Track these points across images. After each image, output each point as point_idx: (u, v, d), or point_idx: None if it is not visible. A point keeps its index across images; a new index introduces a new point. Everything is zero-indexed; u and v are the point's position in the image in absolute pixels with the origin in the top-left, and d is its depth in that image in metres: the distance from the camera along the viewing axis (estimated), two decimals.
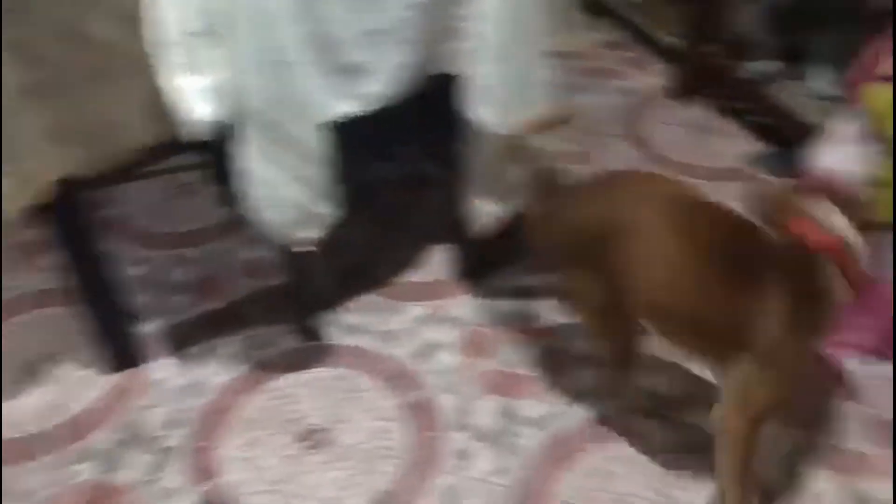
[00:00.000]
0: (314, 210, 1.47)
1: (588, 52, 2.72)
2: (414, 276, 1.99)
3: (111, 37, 1.31)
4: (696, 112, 2.49)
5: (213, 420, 1.66)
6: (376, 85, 1.49)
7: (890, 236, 1.62)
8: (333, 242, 2.05)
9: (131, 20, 1.30)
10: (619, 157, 2.33)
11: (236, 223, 2.11)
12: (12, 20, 1.24)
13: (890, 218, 1.61)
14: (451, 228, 2.03)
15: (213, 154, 2.21)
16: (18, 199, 1.38)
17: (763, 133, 2.36)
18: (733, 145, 2.36)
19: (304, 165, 1.41)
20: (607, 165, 2.27)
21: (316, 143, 1.40)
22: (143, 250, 2.07)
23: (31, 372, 1.76)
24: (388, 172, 2.29)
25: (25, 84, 1.28)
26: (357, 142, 1.72)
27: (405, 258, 2.04)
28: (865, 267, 1.64)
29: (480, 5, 1.44)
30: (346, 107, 1.48)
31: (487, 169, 1.68)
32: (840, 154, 1.64)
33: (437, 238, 2.08)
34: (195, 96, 1.32)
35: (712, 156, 2.32)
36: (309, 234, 1.50)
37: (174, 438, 1.62)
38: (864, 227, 1.60)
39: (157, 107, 1.40)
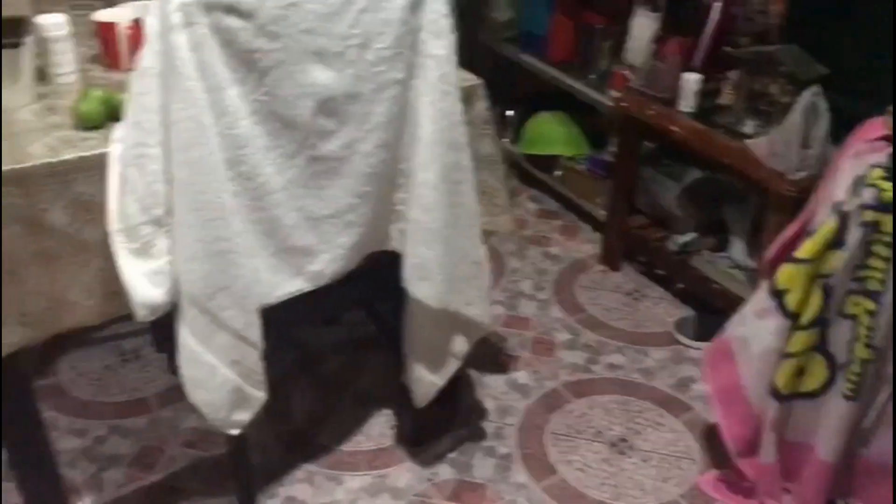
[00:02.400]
0: (247, 393, 1.50)
1: (522, 219, 2.90)
2: (356, 444, 2.00)
3: (65, 224, 1.38)
4: (625, 279, 2.63)
5: None
6: (321, 264, 1.57)
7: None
8: (276, 408, 2.09)
9: (87, 209, 1.38)
10: (552, 319, 2.43)
11: (179, 391, 2.13)
12: None
13: (810, 386, 1.72)
14: (394, 394, 2.07)
15: (154, 323, 2.27)
16: None
17: (687, 300, 2.50)
18: (660, 311, 2.49)
19: (239, 350, 1.45)
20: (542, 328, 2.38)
21: (252, 330, 1.45)
22: (79, 420, 2.05)
23: None
24: (334, 336, 2.35)
25: None
26: (304, 306, 1.79)
27: (348, 425, 2.06)
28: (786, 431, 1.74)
29: (417, 191, 1.55)
30: (291, 286, 1.55)
31: (424, 339, 1.74)
32: (750, 326, 1.76)
33: (381, 404, 2.11)
34: (145, 280, 1.38)
35: (640, 321, 2.44)
36: (241, 417, 1.53)
37: None
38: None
39: (108, 288, 1.46)
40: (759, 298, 1.73)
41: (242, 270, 1.41)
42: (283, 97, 1.38)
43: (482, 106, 1.73)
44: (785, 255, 1.73)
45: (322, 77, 1.39)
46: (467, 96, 1.69)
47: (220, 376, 1.47)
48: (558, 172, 2.98)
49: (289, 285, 1.54)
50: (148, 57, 1.28)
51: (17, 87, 1.50)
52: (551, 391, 2.19)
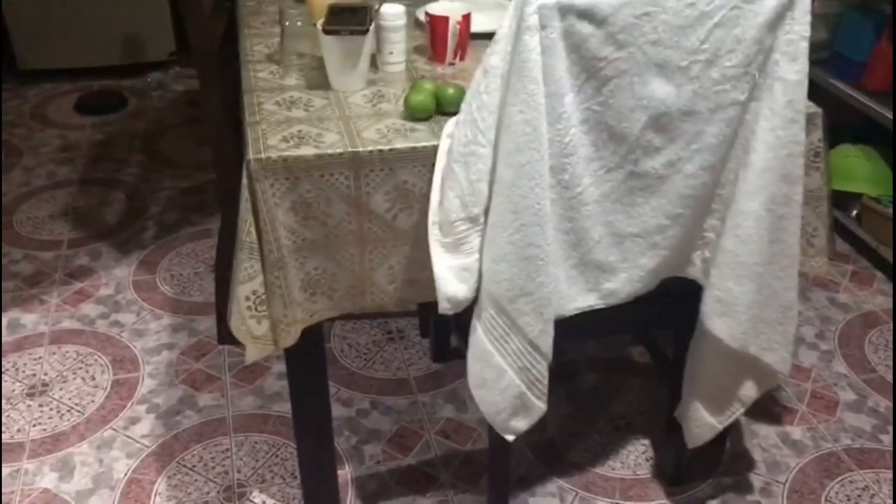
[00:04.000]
0: (529, 402, 1.47)
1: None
2: (610, 469, 1.93)
3: (384, 209, 1.42)
4: None
5: None
6: (619, 283, 1.51)
7: None
8: None
9: (406, 197, 1.41)
10: (835, 374, 2.21)
11: (438, 378, 2.17)
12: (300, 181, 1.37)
13: None
14: (655, 426, 1.98)
15: (421, 308, 2.33)
16: (278, 341, 1.47)
17: None
18: None
19: (529, 357, 1.42)
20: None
21: (545, 339, 1.41)
22: (346, 391, 2.15)
23: (226, 497, 1.83)
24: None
25: (296, 243, 1.40)
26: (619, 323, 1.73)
27: (602, 446, 1.99)
28: None
29: (736, 220, 1.44)
30: (586, 301, 1.51)
31: (711, 378, 1.63)
32: None
33: (638, 432, 2.02)
34: (453, 275, 1.39)
35: None
36: (519, 424, 1.50)
37: None
38: None
39: (409, 275, 1.49)
40: None
41: (547, 279, 1.38)
42: (616, 108, 1.32)
43: (817, 136, 1.58)
44: None
45: (660, 91, 1.32)
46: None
47: (507, 380, 1.45)
48: (855, 212, 2.70)
49: (582, 300, 1.49)
50: (496, 56, 1.27)
51: (355, 73, 1.57)
52: (829, 454, 1.98)
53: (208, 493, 1.85)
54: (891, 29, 2.58)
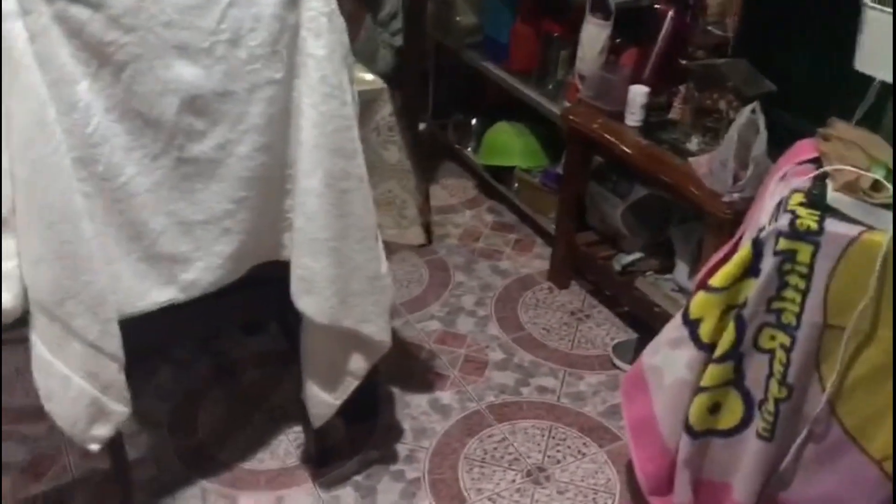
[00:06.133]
0: (106, 407, 1.41)
1: (477, 231, 2.80)
2: (259, 462, 1.91)
3: None
4: (572, 297, 2.52)
5: None
6: (197, 273, 1.47)
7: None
8: (180, 422, 2.00)
9: None
10: (488, 337, 2.33)
11: None
12: None
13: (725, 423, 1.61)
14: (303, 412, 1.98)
15: None
16: None
17: (631, 322, 2.39)
18: (602, 333, 2.38)
19: (95, 361, 1.36)
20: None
21: (108, 339, 1.36)
22: None
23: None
24: (257, 346, 2.26)
25: None
26: (226, 312, 1.70)
27: (254, 441, 1.96)
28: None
29: (301, 198, 1.46)
30: (164, 294, 1.46)
31: (318, 356, 1.65)
32: (663, 355, 1.65)
33: (293, 421, 2.01)
34: None
35: (580, 343, 2.33)
36: (100, 432, 1.43)
37: None
38: None
39: None
40: (673, 326, 1.62)
41: (95, 277, 1.32)
42: (142, 93, 1.29)
43: (387, 111, 1.64)
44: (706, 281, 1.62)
45: (187, 73, 1.30)
46: (370, 101, 1.60)
47: (75, 388, 1.38)
48: (516, 184, 2.88)
49: (158, 294, 1.45)
50: None
51: None
52: (473, 413, 2.08)
53: None
54: (524, 8, 2.77)
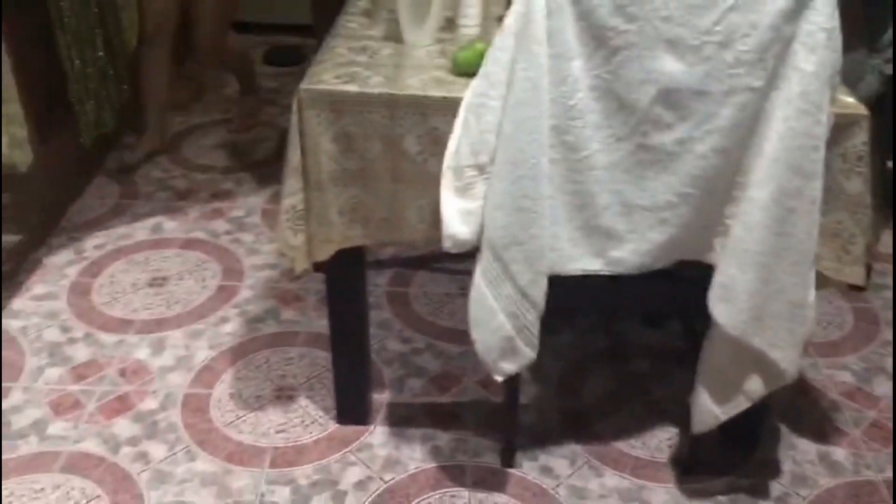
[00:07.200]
0: (517, 347, 1.57)
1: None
2: (630, 446, 1.97)
3: (416, 151, 1.57)
4: None
5: (398, 496, 1.81)
6: (626, 252, 1.56)
7: None
8: (567, 385, 2.14)
9: (436, 142, 1.55)
10: None
11: None
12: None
13: None
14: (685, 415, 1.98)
15: None
16: (313, 255, 1.68)
17: None
18: None
19: (520, 304, 1.52)
20: None
21: (535, 289, 1.50)
22: (409, 330, 2.32)
23: (277, 395, 2.08)
24: (651, 340, 2.32)
25: (336, 171, 1.59)
26: (639, 297, 1.78)
27: (630, 426, 2.02)
28: None
29: (745, 207, 1.46)
30: (591, 265, 1.57)
31: (716, 366, 1.64)
32: None
33: (668, 419, 2.04)
34: (458, 217, 1.51)
35: None
36: (507, 366, 1.60)
37: (351, 497, 1.80)
38: None
39: (438, 216, 1.63)
40: None
41: (541, 232, 1.47)
42: (625, 79, 1.39)
43: (860, 140, 1.53)
44: None
45: (670, 67, 1.37)
46: (845, 125, 1.51)
47: (498, 322, 1.56)
48: None
49: (586, 262, 1.56)
50: (511, 16, 1.38)
51: (424, 27, 1.73)
52: (866, 483, 1.89)
53: (263, 389, 2.10)
54: None
